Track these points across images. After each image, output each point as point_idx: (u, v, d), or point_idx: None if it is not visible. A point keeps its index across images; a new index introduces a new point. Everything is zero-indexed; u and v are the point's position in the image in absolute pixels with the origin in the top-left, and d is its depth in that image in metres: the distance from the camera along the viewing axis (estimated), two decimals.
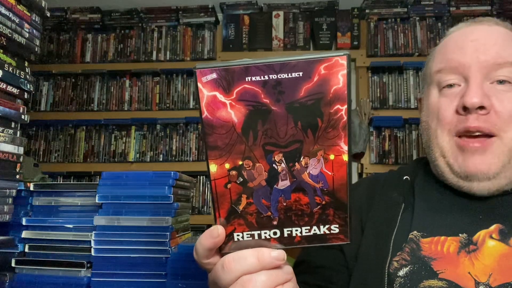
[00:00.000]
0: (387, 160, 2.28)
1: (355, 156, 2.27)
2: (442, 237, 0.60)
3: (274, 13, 2.44)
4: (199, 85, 0.36)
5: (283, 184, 0.39)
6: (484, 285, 0.55)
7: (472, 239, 0.59)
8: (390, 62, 2.32)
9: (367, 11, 2.38)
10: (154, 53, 2.47)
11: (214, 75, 0.36)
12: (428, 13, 2.36)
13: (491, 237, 0.59)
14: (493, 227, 0.59)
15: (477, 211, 0.62)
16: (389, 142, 2.30)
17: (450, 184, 0.64)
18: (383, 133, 2.31)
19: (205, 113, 0.37)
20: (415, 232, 0.62)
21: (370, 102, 2.31)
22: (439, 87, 0.65)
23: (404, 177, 0.71)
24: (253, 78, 0.35)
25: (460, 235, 0.60)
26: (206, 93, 0.36)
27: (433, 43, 2.32)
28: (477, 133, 0.60)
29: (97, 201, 0.68)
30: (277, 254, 0.38)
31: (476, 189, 0.60)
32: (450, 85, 0.64)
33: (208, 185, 2.33)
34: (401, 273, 0.59)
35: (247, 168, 0.38)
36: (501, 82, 0.61)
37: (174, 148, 2.38)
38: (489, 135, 0.60)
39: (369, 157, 2.30)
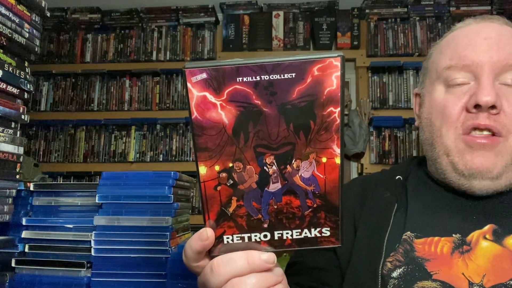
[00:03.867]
0: (387, 160, 2.28)
1: (355, 156, 2.27)
2: (436, 238, 0.60)
3: (274, 13, 2.44)
4: (189, 85, 0.35)
5: (274, 186, 0.38)
6: (478, 286, 0.55)
7: (466, 240, 0.59)
8: (390, 62, 2.32)
9: (367, 11, 2.38)
10: (154, 53, 2.47)
11: (204, 75, 0.35)
12: (428, 13, 2.36)
13: (484, 237, 0.58)
14: (486, 227, 0.59)
15: (471, 211, 0.62)
16: (389, 142, 2.30)
17: (449, 183, 0.64)
18: (383, 133, 2.31)
19: (195, 114, 0.36)
20: (409, 232, 0.61)
21: (370, 102, 2.31)
22: (445, 84, 0.64)
23: (397, 177, 0.70)
24: (245, 79, 0.34)
25: (453, 235, 0.59)
26: (196, 93, 0.35)
27: (433, 43, 2.32)
28: (484, 133, 0.59)
29: (97, 201, 0.68)
30: (267, 257, 0.38)
31: (477, 188, 0.60)
32: (459, 84, 0.62)
33: None
34: (394, 274, 0.58)
35: (238, 170, 0.37)
36: (509, 85, 0.60)
37: (174, 148, 2.38)
38: (496, 135, 0.59)
39: (369, 157, 2.30)
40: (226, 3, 2.45)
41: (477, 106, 0.59)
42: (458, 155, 0.61)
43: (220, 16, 2.52)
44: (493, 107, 0.58)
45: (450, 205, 0.63)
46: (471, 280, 0.55)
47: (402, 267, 0.59)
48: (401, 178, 0.70)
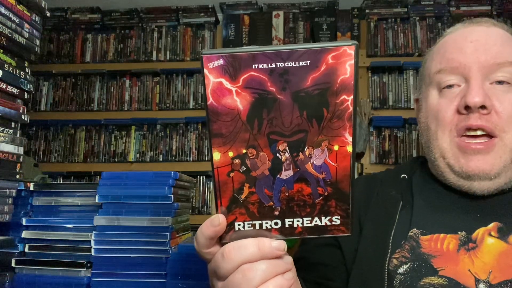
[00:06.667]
0: (387, 160, 2.28)
1: (355, 156, 2.27)
2: (442, 235, 0.61)
3: (274, 13, 2.44)
4: (205, 71, 0.35)
5: (286, 174, 0.38)
6: (484, 282, 0.55)
7: (471, 237, 0.59)
8: (390, 62, 2.32)
9: (367, 11, 2.38)
10: (154, 53, 2.47)
11: (220, 61, 0.35)
12: (428, 13, 2.36)
13: (490, 235, 0.59)
14: (491, 225, 0.60)
15: (475, 209, 0.62)
16: (389, 142, 2.30)
17: (449, 184, 0.65)
18: (383, 133, 2.31)
19: (210, 100, 0.36)
20: (415, 229, 0.62)
21: (370, 102, 2.31)
22: (438, 88, 0.65)
23: (402, 175, 0.71)
24: (260, 66, 0.35)
25: (459, 232, 0.60)
26: (212, 79, 0.35)
27: (433, 43, 2.30)
28: (478, 132, 0.60)
29: (97, 201, 0.68)
30: (278, 244, 0.38)
31: (477, 188, 0.61)
32: (450, 86, 0.64)
33: (208, 185, 2.33)
34: (401, 270, 0.59)
35: (251, 157, 0.37)
36: (500, 82, 0.61)
37: (174, 148, 2.38)
38: (490, 136, 0.60)
39: (369, 157, 2.30)
40: (226, 3, 2.44)
41: (467, 108, 0.60)
42: (453, 158, 0.62)
43: (220, 16, 2.52)
44: (483, 107, 0.59)
45: (454, 204, 0.64)
46: (477, 277, 0.56)
47: (408, 263, 0.59)
48: (406, 177, 0.71)
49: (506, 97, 0.60)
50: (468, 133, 0.61)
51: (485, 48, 0.62)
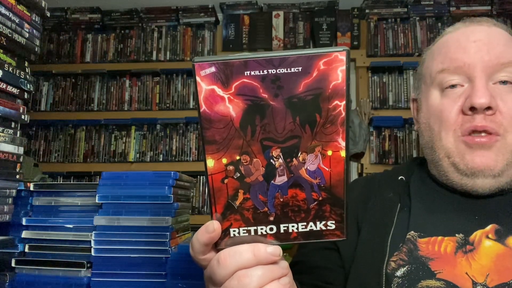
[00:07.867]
0: (387, 160, 2.28)
1: (355, 156, 2.27)
2: (439, 237, 0.60)
3: (274, 13, 2.44)
4: (198, 78, 0.35)
5: (280, 179, 0.38)
6: (482, 285, 0.55)
7: (469, 239, 0.59)
8: (390, 62, 2.32)
9: (367, 11, 2.38)
10: (154, 53, 2.47)
11: (212, 69, 0.35)
12: (428, 13, 2.36)
13: (487, 237, 0.59)
14: (489, 227, 0.60)
15: (473, 211, 0.62)
16: (389, 142, 2.30)
17: (451, 184, 0.64)
18: (383, 133, 2.31)
19: (203, 107, 0.36)
20: (412, 232, 0.62)
21: (370, 102, 2.31)
22: (440, 88, 0.65)
23: (399, 177, 0.71)
24: (252, 73, 0.35)
25: (456, 235, 0.60)
26: (204, 87, 0.36)
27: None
28: (483, 134, 0.60)
29: (97, 201, 0.68)
30: (273, 249, 0.38)
31: (479, 187, 0.61)
32: (453, 86, 0.63)
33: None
34: (398, 273, 0.59)
35: (245, 163, 0.38)
36: (503, 82, 0.61)
37: (174, 148, 2.38)
38: (493, 135, 0.60)
39: (369, 157, 2.30)
40: (226, 3, 2.45)
41: (473, 108, 0.60)
42: (458, 156, 0.62)
43: (220, 16, 2.52)
44: (488, 108, 0.59)
45: (453, 205, 0.64)
46: (474, 280, 0.56)
47: (406, 266, 0.59)
48: (404, 179, 0.71)
49: (510, 97, 0.60)
50: (473, 135, 0.60)
51: (489, 48, 0.61)
